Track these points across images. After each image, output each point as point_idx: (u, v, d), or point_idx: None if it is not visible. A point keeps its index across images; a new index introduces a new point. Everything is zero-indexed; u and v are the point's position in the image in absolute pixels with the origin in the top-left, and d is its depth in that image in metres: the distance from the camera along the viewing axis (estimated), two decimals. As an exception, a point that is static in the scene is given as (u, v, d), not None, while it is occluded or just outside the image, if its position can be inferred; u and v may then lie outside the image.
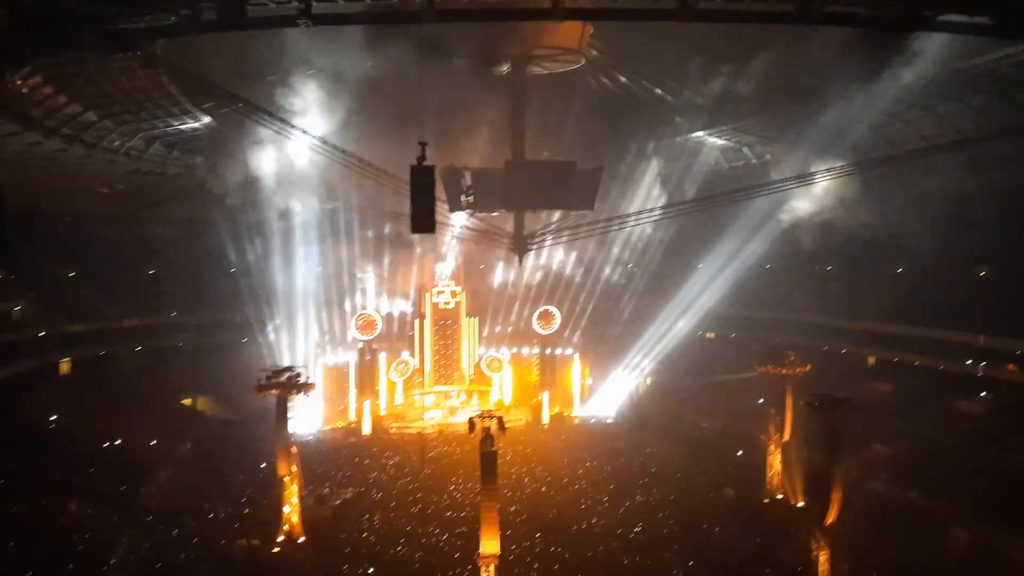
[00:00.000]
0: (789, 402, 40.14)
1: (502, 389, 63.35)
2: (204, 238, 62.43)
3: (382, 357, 61.70)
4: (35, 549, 31.66)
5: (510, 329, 66.78)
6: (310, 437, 55.01)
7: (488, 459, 28.73)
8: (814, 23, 25.35)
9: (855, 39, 35.19)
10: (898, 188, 49.72)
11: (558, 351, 63.91)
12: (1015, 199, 47.12)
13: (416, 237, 57.88)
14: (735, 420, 53.87)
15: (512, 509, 38.35)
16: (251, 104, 36.29)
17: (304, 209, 58.63)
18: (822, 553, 30.65)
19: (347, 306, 62.64)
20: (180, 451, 49.48)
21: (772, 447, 41.00)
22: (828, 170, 42.12)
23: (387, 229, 62.68)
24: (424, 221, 23.60)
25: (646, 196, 62.74)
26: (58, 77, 38.29)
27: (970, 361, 49.05)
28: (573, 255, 68.53)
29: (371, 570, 32.29)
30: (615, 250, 68.88)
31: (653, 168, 63.13)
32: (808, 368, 40.91)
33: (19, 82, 36.51)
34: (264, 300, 60.33)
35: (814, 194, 49.38)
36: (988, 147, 43.68)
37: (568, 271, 68.77)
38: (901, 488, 40.90)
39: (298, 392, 35.74)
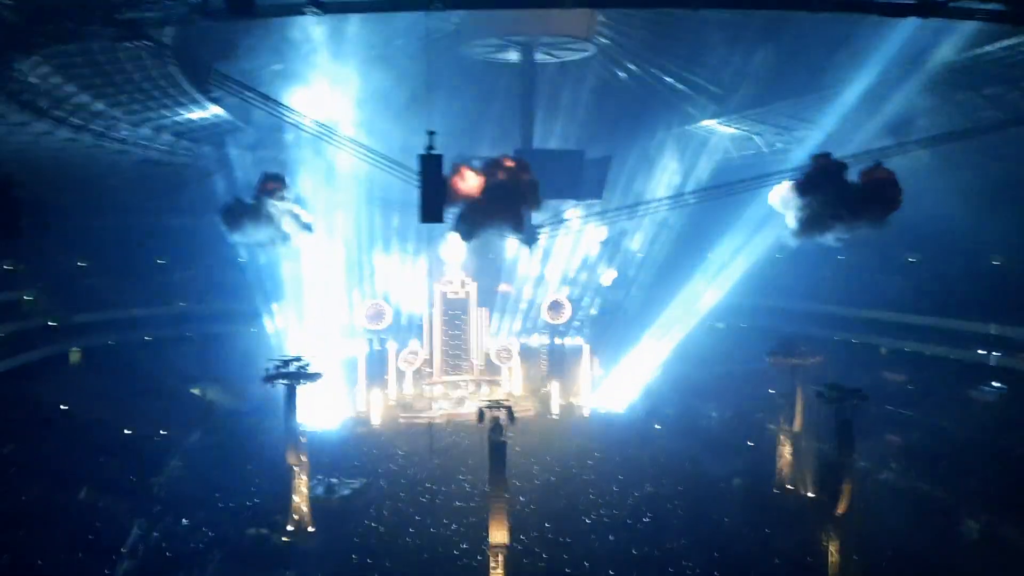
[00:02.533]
0: (800, 392, 39.99)
1: (512, 379, 63.32)
2: (213, 227, 62.49)
3: (391, 347, 61.75)
4: (46, 536, 31.87)
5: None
6: (319, 427, 55.17)
7: (497, 449, 28.71)
8: (827, 9, 25.08)
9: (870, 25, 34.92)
10: (910, 176, 49.25)
11: (568, 341, 63.82)
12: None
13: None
14: (745, 410, 53.74)
15: (521, 499, 38.34)
16: (259, 93, 36.19)
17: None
18: (832, 544, 30.61)
19: (358, 295, 62.48)
20: (189, 440, 49.66)
21: (782, 437, 40.86)
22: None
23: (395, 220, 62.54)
24: (433, 210, 23.52)
25: (655, 185, 62.44)
26: (67, 66, 38.19)
27: (983, 350, 48.70)
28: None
29: (385, 561, 32.36)
30: (623, 240, 68.64)
31: (662, 157, 62.80)
32: (819, 358, 40.72)
33: (28, 71, 36.47)
34: (273, 289, 60.36)
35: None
36: (1003, 136, 43.17)
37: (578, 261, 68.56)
38: (912, 478, 40.77)
39: (306, 381, 35.78)
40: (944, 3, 23.03)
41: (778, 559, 32.31)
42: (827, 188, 32.32)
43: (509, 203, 32.18)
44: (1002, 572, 31.96)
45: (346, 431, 54.87)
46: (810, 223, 33.02)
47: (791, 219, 34.15)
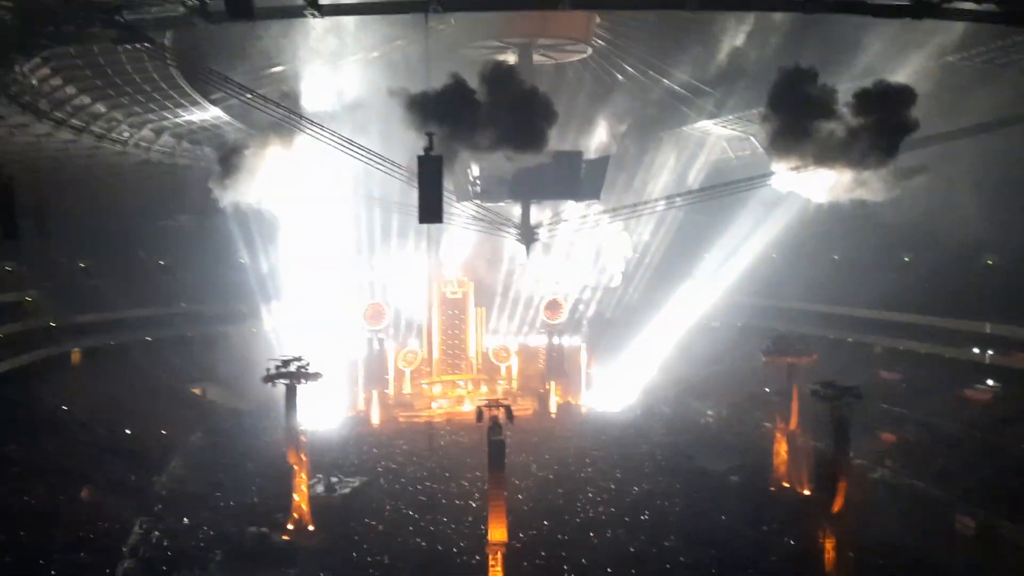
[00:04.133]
0: (795, 390, 40.27)
1: (510, 378, 63.54)
2: (213, 229, 62.67)
3: (391, 346, 61.93)
4: (49, 536, 32.04)
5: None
6: (319, 426, 55.32)
7: (496, 447, 28.95)
8: (823, 11, 25.33)
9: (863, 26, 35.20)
10: (905, 176, 49.47)
11: (565, 340, 63.98)
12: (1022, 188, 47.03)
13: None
14: (741, 408, 54.01)
15: (520, 497, 38.60)
16: (258, 95, 36.36)
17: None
18: (828, 540, 30.88)
19: (358, 295, 62.53)
20: (190, 440, 49.89)
21: (778, 435, 41.14)
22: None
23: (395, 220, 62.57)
24: (432, 211, 23.69)
25: (653, 186, 62.68)
26: (67, 68, 38.43)
27: (977, 349, 48.99)
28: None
29: (384, 559, 32.59)
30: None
31: (660, 158, 63.07)
32: (814, 357, 40.99)
33: (28, 73, 36.70)
34: (272, 290, 60.52)
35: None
36: (999, 135, 43.46)
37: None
38: (907, 475, 41.05)
39: (306, 381, 35.99)
40: (937, 4, 23.34)
41: (774, 556, 32.56)
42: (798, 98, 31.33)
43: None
44: (996, 568, 32.28)
45: (346, 430, 55.02)
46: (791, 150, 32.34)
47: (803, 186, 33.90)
